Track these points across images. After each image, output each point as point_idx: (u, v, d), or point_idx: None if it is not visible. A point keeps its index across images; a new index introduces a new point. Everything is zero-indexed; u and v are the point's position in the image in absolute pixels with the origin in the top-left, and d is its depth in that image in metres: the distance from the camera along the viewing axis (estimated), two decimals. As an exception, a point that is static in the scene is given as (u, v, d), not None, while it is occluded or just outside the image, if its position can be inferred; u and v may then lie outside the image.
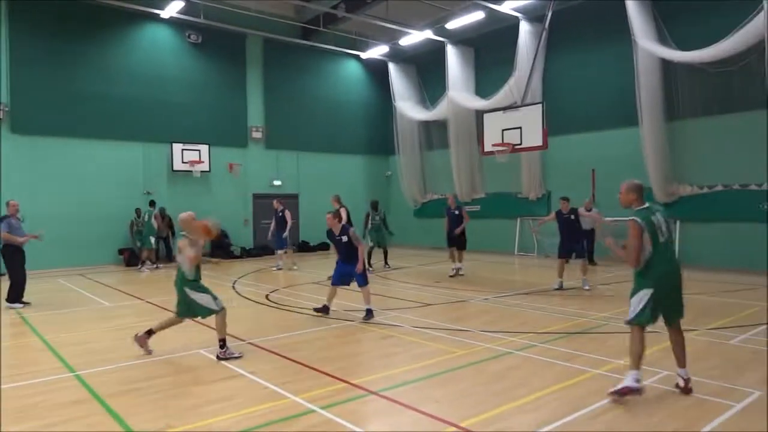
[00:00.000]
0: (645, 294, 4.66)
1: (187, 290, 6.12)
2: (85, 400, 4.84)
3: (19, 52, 14.81)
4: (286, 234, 14.31)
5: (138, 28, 16.79)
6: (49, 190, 15.05)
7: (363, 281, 8.05)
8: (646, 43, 13.68)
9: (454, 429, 4.13)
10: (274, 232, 14.50)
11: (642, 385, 4.60)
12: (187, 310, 6.21)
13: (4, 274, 13.31)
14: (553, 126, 14.70)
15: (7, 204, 9.66)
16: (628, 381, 4.56)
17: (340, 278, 8.23)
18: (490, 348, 6.35)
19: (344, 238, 8.06)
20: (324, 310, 8.24)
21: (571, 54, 16.32)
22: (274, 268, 14.48)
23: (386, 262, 14.56)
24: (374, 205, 14.77)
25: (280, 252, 14.72)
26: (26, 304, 9.64)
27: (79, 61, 15.72)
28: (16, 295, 9.57)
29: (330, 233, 8.22)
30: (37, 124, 15.08)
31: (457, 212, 12.65)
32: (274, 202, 14.86)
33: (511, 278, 12.64)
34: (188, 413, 4.51)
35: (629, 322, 4.77)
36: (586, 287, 10.26)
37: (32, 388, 5.20)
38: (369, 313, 8.00)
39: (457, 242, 12.68)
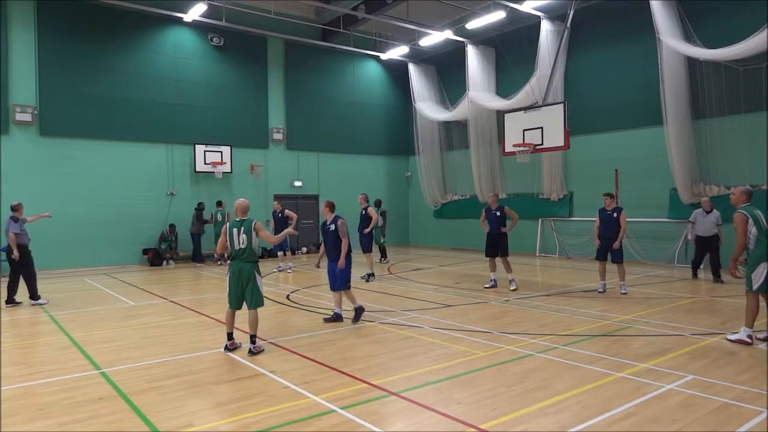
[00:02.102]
0: (764, 266, 6.20)
1: (257, 276, 6.41)
2: (111, 397, 4.93)
3: (47, 56, 15.16)
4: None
5: (162, 31, 17.07)
6: (76, 191, 15.37)
7: (342, 284, 7.84)
8: (671, 41, 13.44)
9: (475, 431, 4.11)
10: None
11: (752, 341, 6.26)
12: (251, 298, 6.38)
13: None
14: (575, 126, 14.56)
15: (18, 206, 9.93)
16: (742, 335, 6.32)
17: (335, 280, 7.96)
18: (511, 350, 6.30)
19: (332, 227, 7.81)
20: (335, 318, 7.98)
21: (594, 52, 16.12)
22: (276, 269, 14.51)
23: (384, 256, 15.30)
24: (378, 203, 15.24)
25: (280, 253, 14.74)
26: (19, 303, 9.87)
27: (104, 64, 16.04)
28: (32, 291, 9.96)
29: (323, 224, 7.99)
30: (64, 126, 15.42)
31: (498, 213, 10.96)
32: (274, 203, 14.88)
33: (532, 279, 12.52)
34: (210, 412, 4.56)
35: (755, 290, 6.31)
36: (623, 291, 10.04)
37: (59, 385, 5.31)
38: (358, 312, 7.91)
39: (498, 248, 10.97)
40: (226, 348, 6.44)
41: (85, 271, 14.21)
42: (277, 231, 14.51)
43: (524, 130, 14.22)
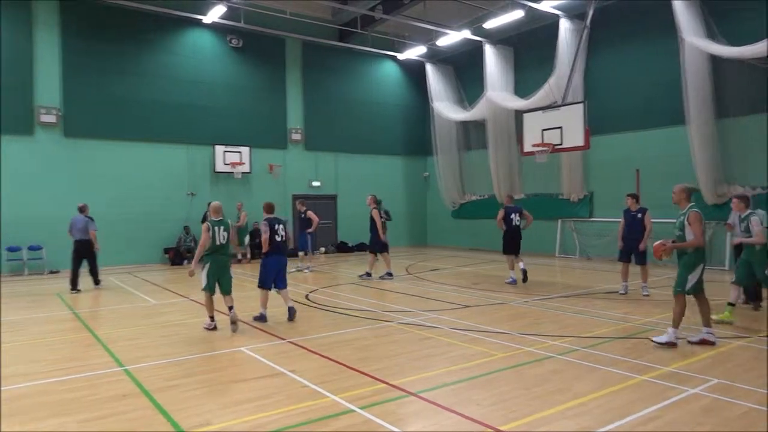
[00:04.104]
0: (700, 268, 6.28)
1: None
2: (134, 395, 5.00)
3: (70, 58, 15.45)
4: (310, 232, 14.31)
5: (182, 33, 17.28)
6: (99, 191, 15.62)
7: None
8: (694, 39, 13.21)
9: (494, 432, 4.09)
10: (297, 233, 14.59)
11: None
12: (229, 285, 7.73)
13: (57, 271, 13.97)
14: (595, 125, 14.40)
15: (86, 206, 11.93)
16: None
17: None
18: (530, 351, 6.25)
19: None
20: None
21: (614, 51, 15.91)
22: (294, 269, 14.53)
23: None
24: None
25: (301, 253, 14.83)
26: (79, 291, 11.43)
27: (126, 66, 16.29)
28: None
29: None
30: (87, 128, 15.70)
31: (517, 212, 11.69)
32: (297, 203, 15.00)
33: (551, 280, 12.40)
34: (229, 410, 4.60)
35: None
36: (645, 293, 9.90)
37: (84, 381, 5.40)
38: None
39: (516, 247, 11.66)
40: (215, 328, 7.54)
41: (108, 270, 14.41)
42: (299, 231, 14.60)
43: (543, 130, 14.10)
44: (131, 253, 16.13)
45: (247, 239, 16.77)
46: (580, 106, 13.41)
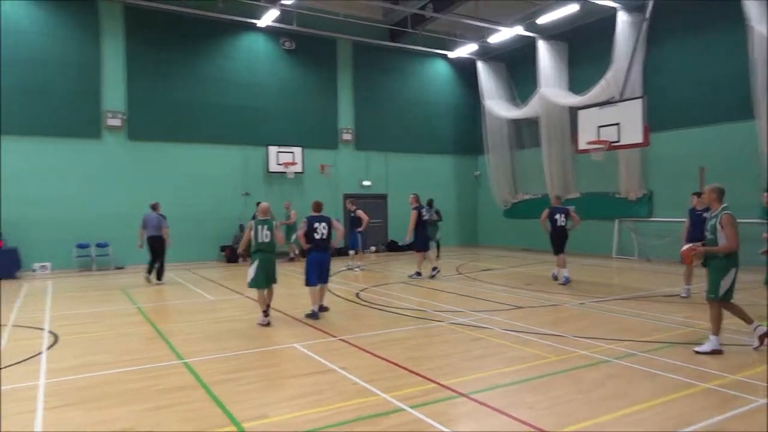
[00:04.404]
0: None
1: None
2: (192, 387, 5.20)
3: (134, 64, 16.22)
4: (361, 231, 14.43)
5: (237, 38, 17.80)
6: (160, 191, 16.24)
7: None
8: (763, 28, 12.47)
9: (547, 437, 4.01)
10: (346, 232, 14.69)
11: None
12: (274, 279, 8.17)
13: (122, 267, 14.65)
14: (654, 121, 13.87)
15: (156, 204, 12.70)
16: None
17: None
18: (586, 355, 6.08)
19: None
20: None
21: (675, 42, 15.24)
22: (345, 268, 14.69)
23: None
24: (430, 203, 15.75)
25: (351, 252, 14.94)
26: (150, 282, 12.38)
27: (184, 71, 16.94)
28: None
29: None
30: (149, 130, 16.45)
31: (563, 214, 11.70)
32: (348, 202, 15.16)
33: (608, 282, 12.02)
34: (283, 404, 4.71)
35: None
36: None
37: (147, 372, 5.67)
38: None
39: (560, 247, 11.66)
40: (268, 324, 7.81)
41: (168, 267, 14.99)
42: (348, 229, 14.80)
43: (599, 127, 13.69)
44: (189, 251, 16.74)
45: (293, 237, 17.05)
46: (639, 102, 12.92)
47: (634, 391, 4.89)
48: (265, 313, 7.92)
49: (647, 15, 14.35)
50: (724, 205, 6.16)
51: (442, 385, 5.11)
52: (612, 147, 13.49)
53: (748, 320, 6.21)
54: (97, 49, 15.74)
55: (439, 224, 16.73)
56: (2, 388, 5.17)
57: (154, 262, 12.41)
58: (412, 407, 4.55)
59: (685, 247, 6.32)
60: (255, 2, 16.22)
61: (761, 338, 6.11)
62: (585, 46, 17.63)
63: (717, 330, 6.09)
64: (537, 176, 19.16)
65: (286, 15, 16.71)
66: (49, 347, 6.79)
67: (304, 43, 18.71)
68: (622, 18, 15.68)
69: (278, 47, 18.48)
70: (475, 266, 15.19)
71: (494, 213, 21.61)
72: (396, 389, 5.00)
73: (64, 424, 4.33)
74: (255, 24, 17.20)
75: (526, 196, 20.21)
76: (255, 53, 18.14)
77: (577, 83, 17.66)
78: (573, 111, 15.99)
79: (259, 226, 7.96)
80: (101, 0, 15.69)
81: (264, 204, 8.40)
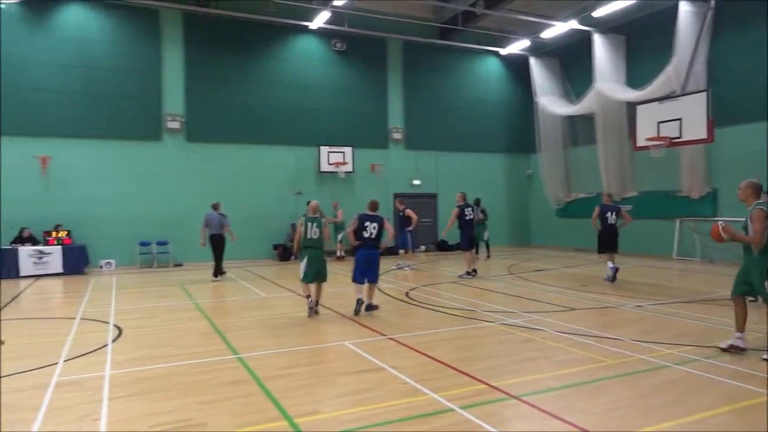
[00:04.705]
0: None
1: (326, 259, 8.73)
2: (245, 381, 5.35)
3: (192, 68, 16.86)
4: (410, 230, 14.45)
5: (290, 40, 18.17)
6: (216, 191, 16.78)
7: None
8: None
9: (602, 443, 3.89)
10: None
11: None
12: (322, 275, 8.56)
13: (180, 264, 15.20)
14: (720, 116, 13.19)
15: (217, 204, 13.14)
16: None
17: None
18: (643, 359, 5.86)
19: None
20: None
21: (742, 33, 14.42)
22: (395, 267, 14.68)
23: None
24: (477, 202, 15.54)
25: (401, 251, 14.92)
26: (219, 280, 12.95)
27: (239, 74, 17.44)
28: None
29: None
30: (206, 132, 17.05)
31: (615, 212, 11.63)
32: (396, 202, 15.20)
33: (668, 284, 11.53)
34: (334, 401, 4.78)
35: None
36: None
37: (202, 367, 5.87)
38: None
39: (612, 245, 11.54)
40: (312, 310, 8.37)
41: (224, 265, 15.54)
42: (398, 229, 14.85)
43: (659, 123, 13.17)
44: (243, 249, 17.15)
45: (340, 236, 17.14)
46: (703, 96, 12.34)
47: (695, 399, 4.67)
48: (310, 302, 8.40)
49: (712, 4, 13.65)
50: (760, 201, 5.93)
51: (493, 387, 5.05)
52: (673, 144, 12.94)
53: (741, 328, 6.07)
54: (158, 56, 16.46)
55: (486, 224, 16.53)
56: (73, 377, 5.50)
57: (218, 260, 12.95)
58: (462, 408, 4.52)
59: (719, 223, 6.10)
60: (307, 4, 16.51)
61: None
62: (643, 38, 16.95)
63: (741, 327, 6.06)
64: (592, 174, 18.58)
65: (337, 16, 16.92)
66: (114, 340, 7.15)
67: (355, 44, 18.88)
68: (685, 8, 14.98)
69: (329, 49, 18.73)
70: (527, 266, 14.91)
71: (546, 212, 21.13)
72: (445, 389, 4.97)
73: (126, 414, 4.54)
74: (307, 26, 17.49)
75: (581, 195, 19.65)
76: (307, 55, 18.46)
77: (635, 78, 17.01)
78: (631, 106, 15.42)
79: (309, 223, 8.41)
80: (162, 9, 16.39)
81: (314, 202, 8.92)
